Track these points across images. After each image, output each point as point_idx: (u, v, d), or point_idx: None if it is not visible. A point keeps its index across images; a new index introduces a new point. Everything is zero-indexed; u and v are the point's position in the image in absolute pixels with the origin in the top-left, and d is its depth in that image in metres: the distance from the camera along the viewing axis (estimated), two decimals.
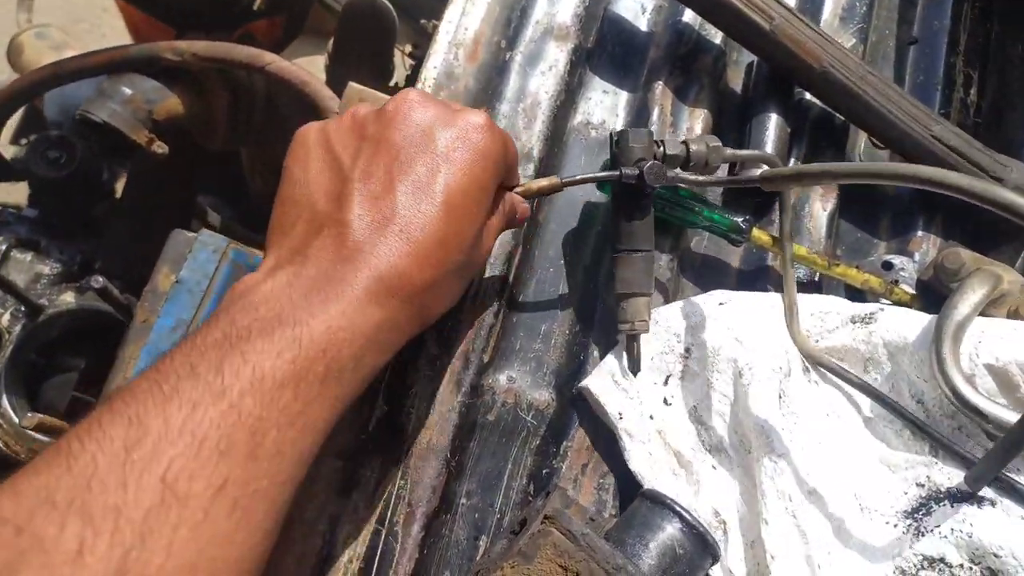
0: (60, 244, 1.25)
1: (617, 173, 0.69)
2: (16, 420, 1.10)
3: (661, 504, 0.55)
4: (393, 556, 0.68)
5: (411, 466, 0.72)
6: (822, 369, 0.71)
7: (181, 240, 0.89)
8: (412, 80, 1.12)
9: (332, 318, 0.46)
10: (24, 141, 1.55)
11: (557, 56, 0.92)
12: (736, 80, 0.96)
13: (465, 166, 0.53)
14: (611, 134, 0.74)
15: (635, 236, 0.73)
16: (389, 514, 0.70)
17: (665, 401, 0.72)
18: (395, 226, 0.50)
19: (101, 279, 1.07)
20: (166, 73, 1.05)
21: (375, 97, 0.86)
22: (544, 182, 0.70)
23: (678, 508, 0.54)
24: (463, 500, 0.70)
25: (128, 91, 1.01)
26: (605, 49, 0.94)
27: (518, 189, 0.67)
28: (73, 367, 1.27)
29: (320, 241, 0.50)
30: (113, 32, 3.80)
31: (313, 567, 0.68)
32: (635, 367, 0.72)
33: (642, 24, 0.96)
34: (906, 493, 0.61)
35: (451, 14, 0.92)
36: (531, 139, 0.87)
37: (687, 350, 0.73)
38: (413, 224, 0.50)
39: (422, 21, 1.38)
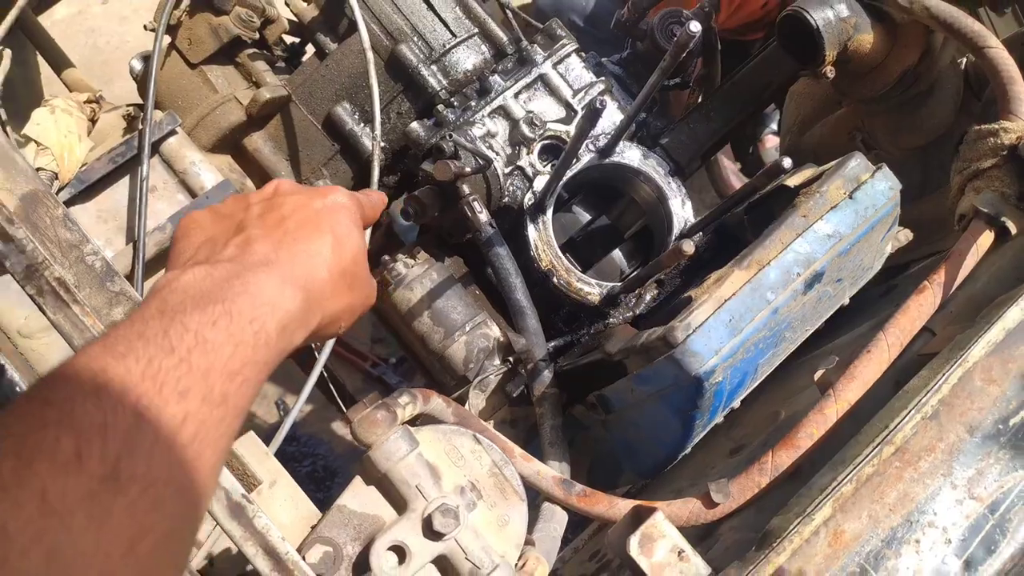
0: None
1: None
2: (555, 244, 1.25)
3: None
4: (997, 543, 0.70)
5: None
6: None
7: (862, 163, 0.95)
8: None
9: (254, 296, 0.55)
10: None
11: None
12: None
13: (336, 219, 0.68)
14: None
15: None
16: (1004, 505, 0.71)
17: None
18: (292, 239, 0.63)
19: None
20: (878, 11, 1.09)
21: None
22: None
23: None
24: None
25: (847, 12, 1.07)
26: None
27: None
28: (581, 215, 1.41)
29: (227, 252, 0.61)
30: None
31: (907, 517, 0.72)
32: None
33: None
34: None
35: None
36: None
37: None
38: (304, 238, 0.64)
39: None
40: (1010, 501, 0.77)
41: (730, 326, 0.89)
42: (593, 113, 0.94)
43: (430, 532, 0.79)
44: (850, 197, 0.93)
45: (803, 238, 0.92)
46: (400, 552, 0.79)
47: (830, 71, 1.11)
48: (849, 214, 0.93)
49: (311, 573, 0.70)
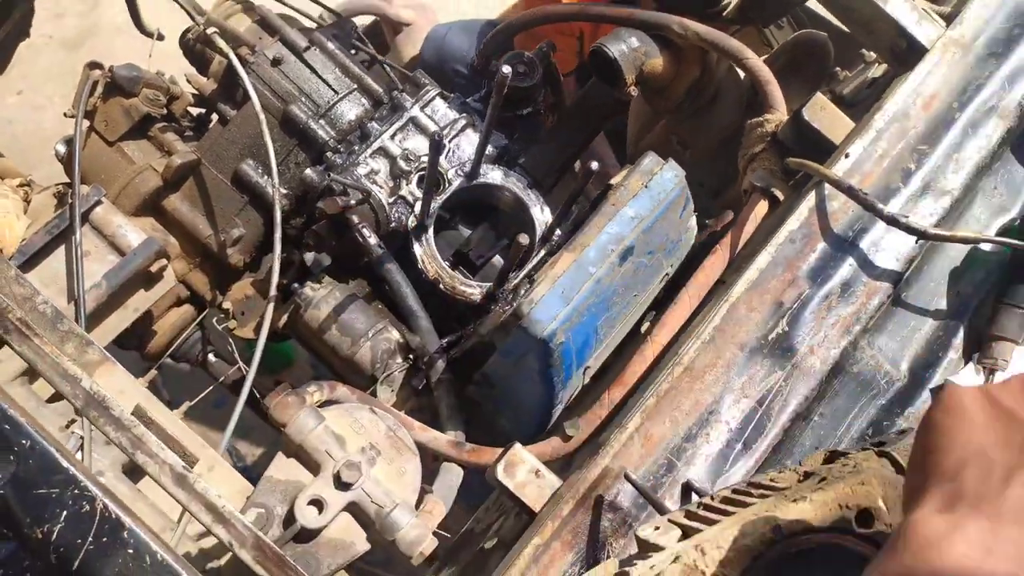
0: (498, 132, 1.63)
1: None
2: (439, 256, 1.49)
3: None
4: (765, 425, 0.96)
5: (793, 376, 0.99)
6: None
7: (654, 159, 1.21)
8: (848, 105, 1.35)
9: None
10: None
11: (994, 130, 1.12)
12: None
13: None
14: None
15: (1020, 295, 0.93)
16: (768, 399, 0.97)
17: None
18: None
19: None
20: (663, 39, 1.37)
21: None
22: None
23: None
24: (816, 417, 0.96)
25: (637, 43, 1.35)
26: None
27: None
28: (464, 230, 1.65)
29: (1009, 503, 0.47)
30: None
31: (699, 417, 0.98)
32: None
33: None
34: None
35: (920, 69, 1.15)
36: (954, 184, 1.09)
37: None
38: None
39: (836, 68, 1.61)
40: (772, 395, 1.03)
41: (563, 297, 1.14)
42: (435, 146, 1.19)
43: (340, 484, 1.00)
44: (646, 187, 1.20)
45: (613, 222, 1.17)
46: (318, 504, 1.00)
47: (633, 90, 1.38)
48: (646, 199, 1.19)
49: (245, 520, 0.91)
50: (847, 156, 1.13)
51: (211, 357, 1.68)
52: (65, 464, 0.87)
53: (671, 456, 1.00)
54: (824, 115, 1.19)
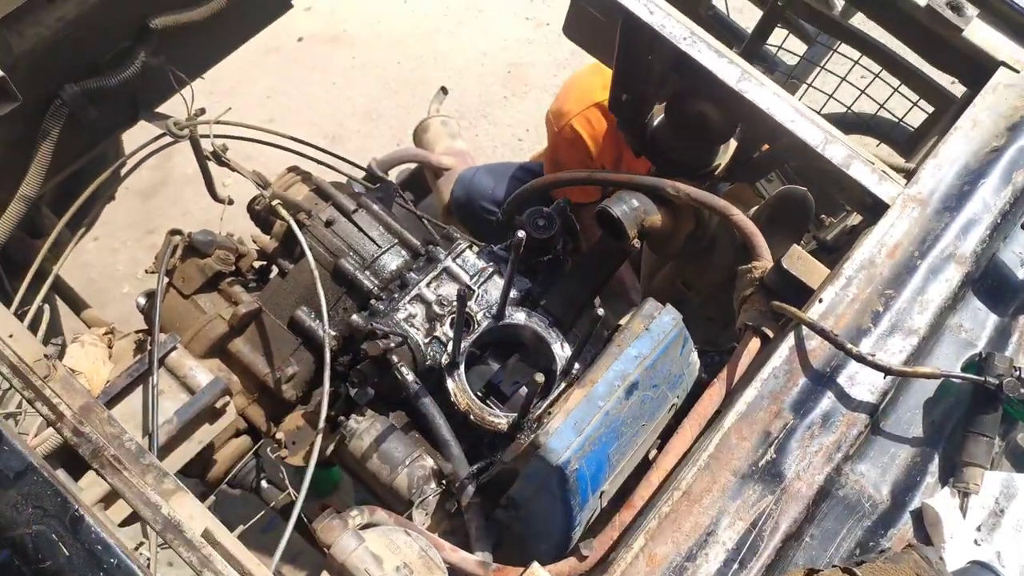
0: (522, 277, 1.84)
1: (981, 379, 1.04)
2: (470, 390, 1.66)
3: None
4: (759, 546, 1.07)
5: (783, 500, 1.10)
6: None
7: (653, 304, 1.39)
8: (829, 250, 1.52)
9: None
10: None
11: (953, 275, 1.28)
12: None
13: None
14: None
15: (985, 425, 1.06)
16: (760, 521, 1.09)
17: (975, 542, 1.03)
18: None
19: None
20: (661, 198, 1.58)
21: None
22: None
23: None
24: (807, 538, 1.07)
25: (636, 203, 1.56)
26: (986, 282, 1.28)
27: None
28: (493, 364, 1.83)
29: None
30: (486, 135, 4.85)
31: (698, 539, 1.09)
32: (963, 514, 1.04)
33: (1019, 273, 1.28)
34: None
35: (883, 223, 1.33)
36: (920, 324, 1.23)
37: (1002, 510, 1.03)
38: None
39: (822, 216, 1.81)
40: (764, 517, 1.14)
41: (575, 428, 1.28)
42: (461, 298, 1.39)
43: None
44: (647, 329, 1.36)
45: (618, 360, 1.34)
46: None
47: (636, 243, 1.58)
48: (647, 340, 1.35)
49: None
50: (820, 301, 1.29)
51: (263, 483, 1.83)
52: None
53: (674, 575, 1.11)
54: (801, 263, 1.36)
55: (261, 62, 4.83)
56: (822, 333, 1.22)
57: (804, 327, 1.27)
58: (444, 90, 3.92)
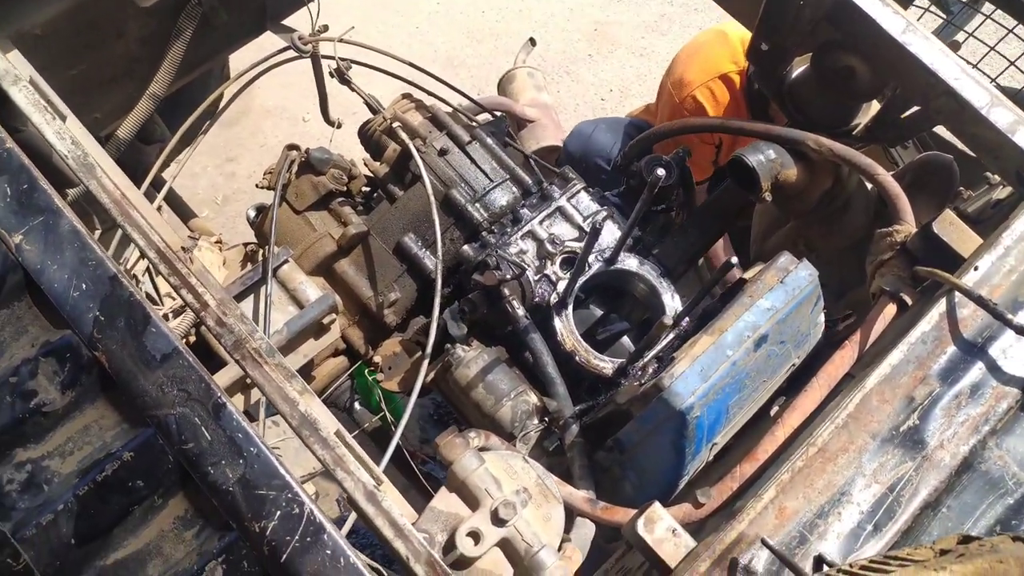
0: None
1: None
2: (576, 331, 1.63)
3: None
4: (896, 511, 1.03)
5: (923, 467, 1.06)
6: None
7: (788, 258, 1.34)
8: (972, 222, 1.45)
9: None
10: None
11: None
12: None
13: None
14: None
15: None
16: (899, 486, 1.05)
17: None
18: None
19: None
20: (798, 152, 1.51)
21: None
22: None
23: None
24: (944, 509, 1.03)
25: (774, 155, 1.50)
26: None
27: None
28: (596, 310, 1.80)
29: None
30: (568, 92, 4.75)
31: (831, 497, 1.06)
32: None
33: None
34: None
35: None
36: None
37: None
38: None
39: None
40: (903, 483, 1.10)
41: (701, 374, 1.25)
42: (594, 232, 1.35)
43: (496, 520, 1.13)
44: (781, 282, 1.32)
45: (749, 311, 1.30)
46: (475, 536, 1.12)
47: (767, 196, 1.52)
48: (781, 293, 1.31)
49: (421, 539, 1.04)
50: (976, 268, 1.23)
51: (356, 405, 1.85)
52: (282, 472, 1.04)
53: (804, 530, 1.08)
54: (953, 230, 1.30)
55: (344, 0, 4.81)
56: (979, 301, 1.16)
57: (956, 295, 1.21)
58: (533, 41, 3.85)
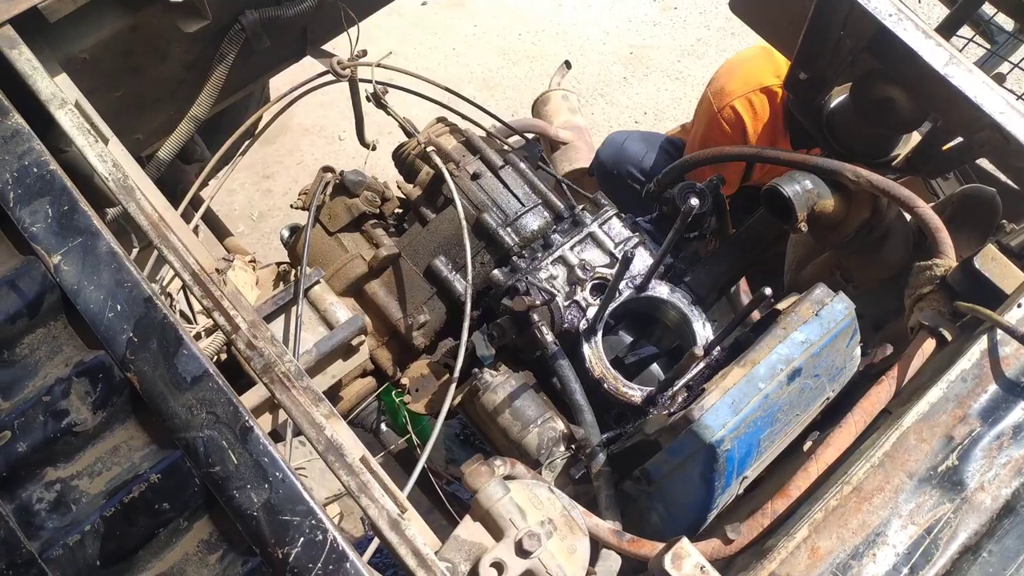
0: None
1: None
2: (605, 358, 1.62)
3: None
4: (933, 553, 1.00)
5: (962, 509, 1.02)
6: None
7: (824, 290, 1.31)
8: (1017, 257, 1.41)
9: None
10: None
11: None
12: None
13: None
14: None
15: None
16: (936, 528, 1.01)
17: None
18: None
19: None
20: (835, 183, 1.49)
21: None
22: None
23: None
24: (984, 554, 0.99)
25: (811, 185, 1.48)
26: None
27: None
28: (625, 337, 1.78)
29: None
30: (602, 114, 4.75)
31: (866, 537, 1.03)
32: None
33: None
34: None
35: None
36: None
37: None
38: None
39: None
40: (941, 525, 1.06)
41: (732, 407, 1.23)
42: (625, 261, 1.34)
43: (521, 551, 1.11)
44: (816, 315, 1.29)
45: (783, 344, 1.27)
46: (499, 567, 1.11)
47: (803, 226, 1.50)
48: (816, 326, 1.28)
49: (444, 569, 1.03)
50: (1020, 306, 1.19)
51: (383, 427, 1.85)
52: (307, 497, 1.04)
53: (837, 572, 1.05)
54: (995, 265, 1.26)
55: (382, 23, 4.88)
56: (1022, 340, 1.12)
57: (998, 332, 1.17)
58: (568, 64, 3.87)
